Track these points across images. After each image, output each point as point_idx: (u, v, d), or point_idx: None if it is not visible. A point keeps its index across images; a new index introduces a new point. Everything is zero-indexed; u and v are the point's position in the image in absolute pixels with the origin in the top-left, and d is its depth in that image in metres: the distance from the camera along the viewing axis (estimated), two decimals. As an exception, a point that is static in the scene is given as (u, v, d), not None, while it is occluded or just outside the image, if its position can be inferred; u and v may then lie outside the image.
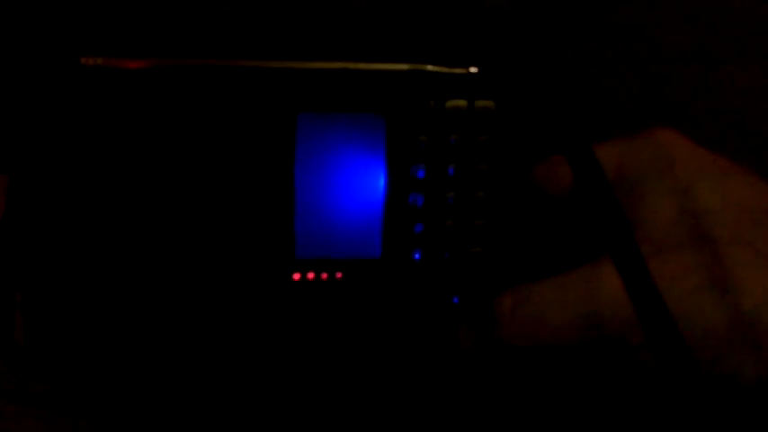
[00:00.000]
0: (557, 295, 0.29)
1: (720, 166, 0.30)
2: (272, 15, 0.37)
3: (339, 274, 0.34)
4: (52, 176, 0.33)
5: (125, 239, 0.33)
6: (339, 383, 0.36)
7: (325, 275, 0.34)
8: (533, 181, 0.32)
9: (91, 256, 0.33)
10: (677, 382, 0.25)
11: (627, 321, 0.27)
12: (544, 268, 0.30)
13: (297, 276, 0.34)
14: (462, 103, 0.34)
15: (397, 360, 0.35)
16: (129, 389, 0.35)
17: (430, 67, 0.34)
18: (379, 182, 0.34)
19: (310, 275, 0.34)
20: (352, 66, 0.33)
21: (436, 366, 0.35)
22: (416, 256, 0.34)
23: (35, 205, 0.33)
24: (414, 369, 0.36)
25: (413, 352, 0.35)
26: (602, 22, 0.38)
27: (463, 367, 0.35)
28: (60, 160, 0.33)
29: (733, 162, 0.30)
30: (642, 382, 0.28)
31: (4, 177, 0.37)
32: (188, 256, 0.33)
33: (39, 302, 0.33)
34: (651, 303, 0.25)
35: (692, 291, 0.27)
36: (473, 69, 0.34)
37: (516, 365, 0.34)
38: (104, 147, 0.32)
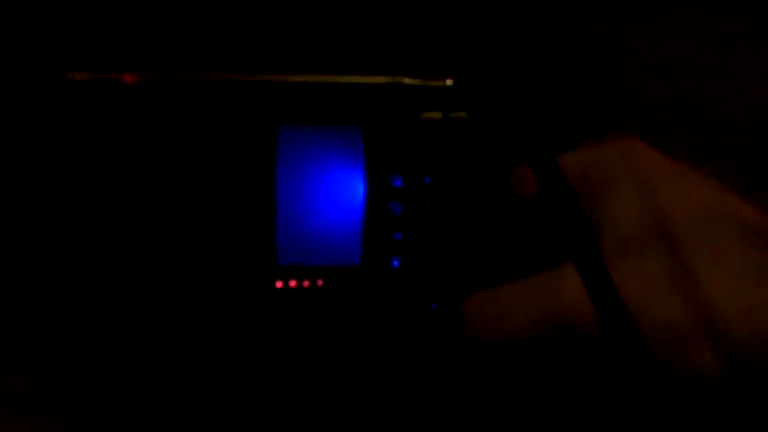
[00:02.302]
0: (520, 295, 0.30)
1: (683, 173, 0.31)
2: (253, 30, 0.38)
3: (320, 282, 0.35)
4: (40, 184, 0.34)
5: (111, 247, 0.34)
6: (321, 387, 0.37)
7: (306, 283, 0.35)
8: (505, 187, 0.34)
9: (74, 264, 0.34)
10: (637, 378, 0.26)
11: (588, 320, 0.28)
12: (515, 272, 0.31)
13: (279, 284, 0.35)
14: (437, 114, 0.35)
15: (377, 364, 0.36)
16: (116, 390, 0.36)
17: (406, 80, 0.35)
18: (358, 191, 0.35)
19: (292, 283, 0.35)
20: (330, 79, 0.35)
21: (415, 370, 0.36)
22: (395, 262, 0.35)
23: (23, 214, 0.34)
24: (393, 372, 0.37)
25: (392, 356, 0.36)
26: (576, 32, 0.40)
27: (440, 370, 0.36)
28: (48, 170, 0.34)
29: (696, 169, 0.31)
30: (604, 381, 0.29)
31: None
32: (172, 264, 0.34)
33: (28, 304, 0.35)
34: (610, 303, 0.26)
35: (654, 290, 0.28)
36: (448, 82, 0.35)
37: (488, 369, 0.35)
38: (89, 159, 0.34)
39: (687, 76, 0.40)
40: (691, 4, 0.41)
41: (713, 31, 0.41)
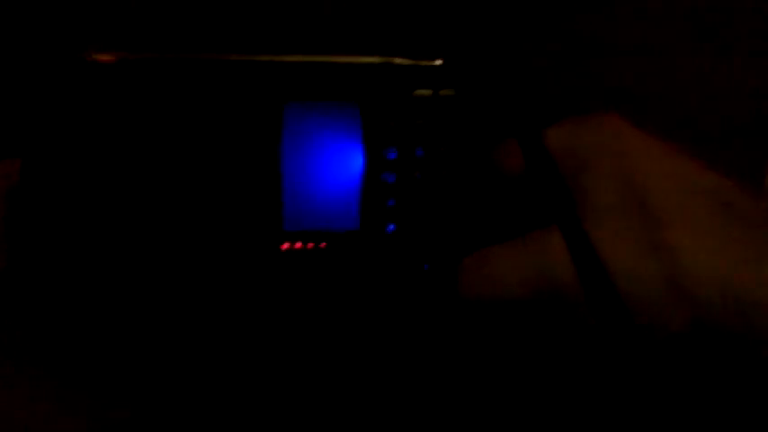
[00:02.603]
0: (511, 256, 0.34)
1: (657, 147, 0.34)
2: (262, 14, 0.41)
3: (323, 245, 0.38)
4: (61, 155, 0.37)
5: (133, 214, 0.37)
6: (322, 340, 0.40)
7: (310, 245, 0.38)
8: (492, 160, 0.37)
9: (97, 226, 0.37)
10: (613, 333, 0.30)
11: (570, 280, 0.31)
12: (500, 236, 0.35)
13: (285, 246, 0.38)
14: (427, 92, 0.38)
15: (373, 319, 0.40)
16: (130, 348, 0.39)
17: (399, 60, 0.38)
18: (356, 163, 0.38)
19: (297, 245, 0.38)
20: (331, 59, 0.38)
21: (408, 324, 0.40)
22: (390, 227, 0.39)
23: (46, 181, 0.37)
24: (387, 327, 0.40)
25: (387, 312, 0.40)
26: (556, 24, 0.43)
27: (434, 331, 0.39)
28: (66, 144, 0.37)
29: (670, 142, 0.34)
30: (584, 334, 0.33)
31: (15, 161, 0.41)
32: (190, 230, 0.37)
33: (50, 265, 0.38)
34: (590, 265, 0.30)
35: (631, 252, 0.31)
36: (437, 62, 0.39)
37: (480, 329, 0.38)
38: (108, 131, 0.36)
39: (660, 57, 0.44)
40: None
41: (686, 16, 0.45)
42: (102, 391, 0.40)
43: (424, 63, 0.39)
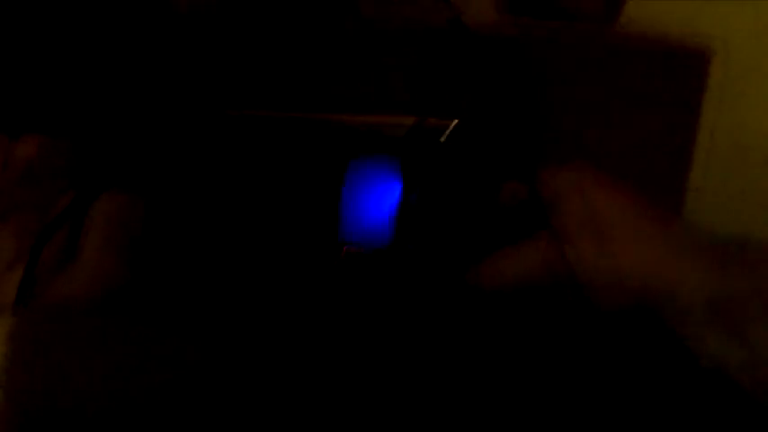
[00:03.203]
0: (510, 259, 0.49)
1: (611, 183, 0.48)
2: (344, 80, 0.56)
3: (366, 255, 0.54)
4: (181, 192, 0.52)
5: (234, 231, 0.52)
6: (363, 325, 0.55)
7: (358, 255, 0.53)
8: (499, 198, 0.52)
9: (206, 245, 0.52)
10: (577, 310, 0.44)
11: (551, 273, 0.46)
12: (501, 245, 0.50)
13: (342, 253, 0.53)
14: (445, 146, 0.54)
15: (399, 308, 0.54)
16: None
17: (428, 121, 0.54)
18: (394, 196, 0.53)
19: (350, 253, 0.53)
20: (382, 119, 0.53)
21: (427, 315, 0.55)
22: (410, 246, 0.54)
23: (168, 211, 0.52)
24: (412, 315, 0.55)
25: (409, 303, 0.54)
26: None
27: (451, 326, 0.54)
28: (185, 182, 0.52)
29: (621, 180, 0.49)
30: (561, 311, 0.48)
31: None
32: (281, 241, 0.52)
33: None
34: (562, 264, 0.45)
35: (590, 257, 0.45)
36: (455, 121, 0.54)
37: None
38: (235, 168, 0.51)
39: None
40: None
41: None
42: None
43: (445, 122, 0.54)
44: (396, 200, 0.53)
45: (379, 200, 0.53)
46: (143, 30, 0.59)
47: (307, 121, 0.52)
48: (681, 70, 0.61)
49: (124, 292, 0.55)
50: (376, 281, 0.54)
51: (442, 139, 0.53)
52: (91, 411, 0.45)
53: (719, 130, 0.80)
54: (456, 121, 0.54)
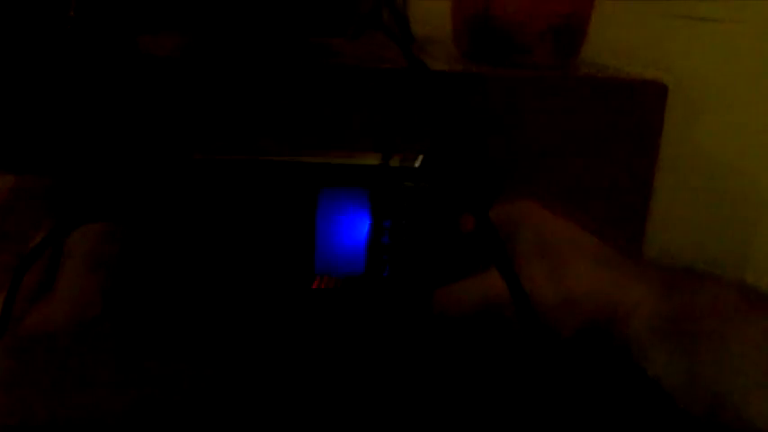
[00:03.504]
0: (466, 289, 0.53)
1: (556, 219, 0.54)
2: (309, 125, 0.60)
3: (339, 283, 0.57)
4: (153, 228, 0.54)
5: (208, 264, 0.55)
6: (340, 352, 0.58)
7: (331, 284, 0.56)
8: (457, 226, 0.56)
9: (177, 273, 0.55)
10: (532, 336, 0.48)
11: (506, 302, 0.50)
12: (459, 275, 0.54)
13: (315, 284, 0.56)
14: (410, 183, 0.57)
15: (376, 332, 0.58)
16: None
17: (392, 163, 0.58)
18: (364, 229, 0.57)
19: (323, 285, 0.56)
20: (350, 161, 0.57)
21: (402, 339, 0.58)
22: (385, 273, 0.57)
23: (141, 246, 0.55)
24: (387, 338, 0.58)
25: (386, 329, 0.58)
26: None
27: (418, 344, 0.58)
28: (159, 219, 0.55)
29: (565, 215, 0.54)
30: (514, 338, 0.51)
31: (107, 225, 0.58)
32: (251, 272, 0.55)
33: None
34: (518, 291, 0.48)
35: (540, 283, 0.50)
36: (417, 164, 0.58)
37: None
38: (208, 207, 0.54)
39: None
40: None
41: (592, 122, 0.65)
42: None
43: (407, 164, 0.58)
44: (367, 228, 0.56)
45: (351, 228, 0.56)
46: (114, 70, 0.62)
47: (275, 162, 0.55)
48: (638, 104, 0.66)
49: (100, 321, 0.57)
50: (350, 308, 0.57)
51: (416, 167, 0.57)
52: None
53: (679, 159, 0.86)
54: (421, 156, 0.58)
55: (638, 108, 0.67)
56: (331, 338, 0.57)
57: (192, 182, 0.54)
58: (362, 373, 0.58)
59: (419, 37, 0.75)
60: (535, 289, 0.49)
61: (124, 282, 0.56)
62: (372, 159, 0.58)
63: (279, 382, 0.52)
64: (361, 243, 0.57)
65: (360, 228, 0.57)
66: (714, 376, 0.43)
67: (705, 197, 0.93)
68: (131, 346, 0.56)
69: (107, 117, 0.63)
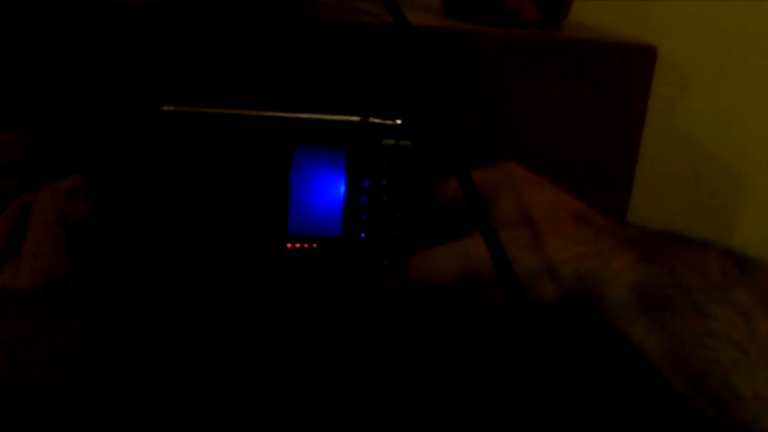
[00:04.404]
0: (444, 254, 0.50)
1: (540, 183, 0.52)
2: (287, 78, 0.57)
3: (315, 245, 0.55)
4: (128, 179, 0.52)
5: (181, 221, 0.53)
6: (312, 314, 0.56)
7: (306, 246, 0.55)
8: (433, 192, 0.54)
9: (152, 235, 0.53)
10: (514, 302, 0.46)
11: (487, 268, 0.48)
12: (438, 240, 0.52)
13: (289, 246, 0.54)
14: (391, 141, 0.55)
15: (349, 298, 0.56)
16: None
17: (372, 119, 0.55)
18: (341, 188, 0.55)
19: (297, 245, 0.54)
20: (327, 117, 0.54)
21: (374, 305, 0.56)
22: (362, 235, 0.55)
23: (114, 199, 0.52)
24: (359, 305, 0.56)
25: (359, 294, 0.56)
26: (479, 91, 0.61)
27: (391, 309, 0.56)
28: (133, 171, 0.52)
29: (548, 180, 0.52)
30: (496, 305, 0.50)
31: (83, 177, 0.56)
32: (220, 233, 0.53)
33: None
34: (500, 257, 0.47)
35: (521, 250, 0.48)
36: (398, 121, 0.56)
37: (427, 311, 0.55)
38: (177, 162, 0.52)
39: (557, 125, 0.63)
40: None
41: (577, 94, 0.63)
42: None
43: (389, 122, 0.56)
44: (344, 190, 0.54)
45: (327, 189, 0.54)
46: (84, 22, 0.59)
47: (250, 117, 0.53)
48: (627, 67, 0.64)
49: (66, 283, 0.55)
50: (325, 271, 0.55)
51: (397, 124, 0.55)
52: (35, 394, 0.45)
53: (665, 128, 0.85)
54: (399, 121, 0.56)
55: (627, 71, 0.64)
56: (304, 300, 0.56)
57: (162, 134, 0.52)
58: (339, 342, 0.56)
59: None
60: (516, 255, 0.47)
61: (94, 239, 0.54)
62: (350, 117, 0.55)
63: (249, 347, 0.50)
64: (338, 203, 0.55)
65: (336, 188, 0.55)
66: (692, 353, 0.42)
67: (687, 165, 0.92)
68: (101, 305, 0.54)
69: (76, 67, 0.60)
